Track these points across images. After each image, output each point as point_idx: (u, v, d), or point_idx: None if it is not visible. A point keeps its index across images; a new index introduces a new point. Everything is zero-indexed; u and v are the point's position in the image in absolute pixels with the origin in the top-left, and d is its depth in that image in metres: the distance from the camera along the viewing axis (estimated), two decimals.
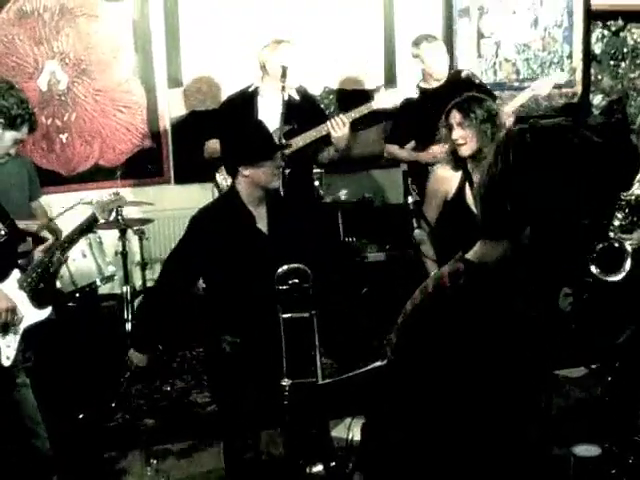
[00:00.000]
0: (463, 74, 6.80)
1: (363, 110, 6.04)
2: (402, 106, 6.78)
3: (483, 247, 2.06)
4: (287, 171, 5.71)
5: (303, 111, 6.02)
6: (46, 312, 4.29)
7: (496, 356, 1.93)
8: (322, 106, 7.49)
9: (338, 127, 5.86)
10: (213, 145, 6.08)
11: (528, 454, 2.01)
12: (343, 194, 7.42)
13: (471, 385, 1.92)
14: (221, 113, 6.44)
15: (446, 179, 5.02)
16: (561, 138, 1.94)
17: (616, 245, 4.91)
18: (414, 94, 6.26)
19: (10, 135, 4.33)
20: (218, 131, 6.14)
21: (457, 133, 4.82)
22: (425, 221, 5.07)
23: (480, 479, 1.99)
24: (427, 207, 5.12)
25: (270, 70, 6.11)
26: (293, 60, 6.04)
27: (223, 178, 6.03)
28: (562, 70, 8.43)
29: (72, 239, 4.44)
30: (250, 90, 6.23)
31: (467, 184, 4.93)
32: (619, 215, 5.17)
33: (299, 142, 5.88)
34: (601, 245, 5.09)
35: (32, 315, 4.24)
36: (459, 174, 4.96)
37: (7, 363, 4.10)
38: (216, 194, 6.06)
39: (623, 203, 5.14)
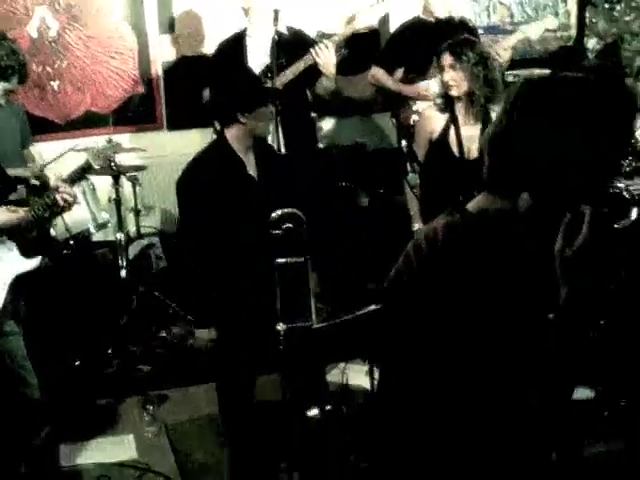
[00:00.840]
0: (457, 18, 6.77)
1: (346, 32, 6.00)
2: (397, 31, 6.76)
3: (484, 199, 2.04)
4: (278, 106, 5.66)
5: (293, 46, 5.95)
6: (35, 261, 4.25)
7: (491, 311, 1.92)
8: None
9: (322, 53, 5.80)
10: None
11: (528, 419, 2.00)
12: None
13: (467, 341, 1.92)
14: (213, 61, 6.46)
15: (432, 119, 5.13)
16: (569, 92, 1.91)
17: (625, 195, 5.00)
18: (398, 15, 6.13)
19: (0, 86, 4.30)
20: (212, 80, 6.14)
21: (448, 75, 4.89)
22: (418, 164, 5.13)
23: (476, 444, 2.00)
24: (416, 146, 5.29)
25: (253, 11, 6.08)
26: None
27: None
28: (557, 14, 8.38)
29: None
30: (238, 32, 6.21)
31: (452, 126, 5.03)
32: (623, 162, 5.23)
33: (288, 75, 5.84)
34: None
35: (21, 264, 4.21)
36: (445, 116, 5.03)
37: None
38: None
39: (629, 149, 5.20)
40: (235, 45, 6.14)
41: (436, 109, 5.10)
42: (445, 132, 5.05)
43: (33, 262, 4.24)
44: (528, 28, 6.36)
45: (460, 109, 5.00)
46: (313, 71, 5.89)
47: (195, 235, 4.63)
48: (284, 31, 6.04)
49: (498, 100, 4.92)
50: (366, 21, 6.00)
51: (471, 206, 2.05)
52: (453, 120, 5.02)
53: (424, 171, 5.25)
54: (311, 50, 5.82)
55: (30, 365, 4.31)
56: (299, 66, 5.84)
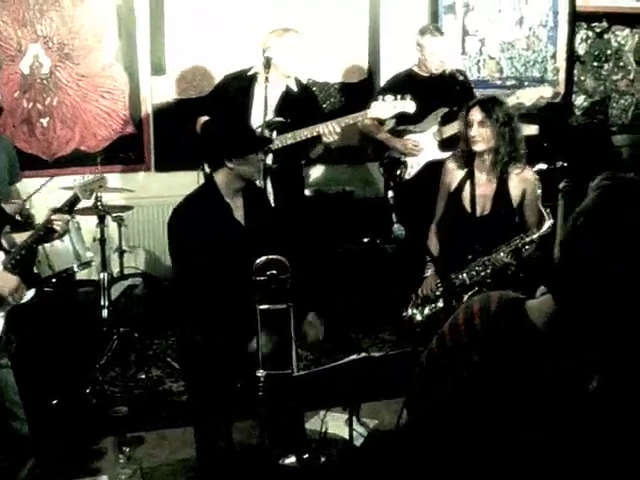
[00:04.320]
0: (448, 70, 6.82)
1: (358, 118, 5.99)
2: (390, 83, 6.80)
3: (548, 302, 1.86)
4: (274, 165, 5.80)
5: (299, 104, 5.98)
6: (30, 294, 4.27)
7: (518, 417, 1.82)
8: None
9: (331, 135, 5.81)
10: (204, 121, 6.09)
11: None
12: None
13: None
14: (217, 91, 6.36)
15: (452, 172, 5.25)
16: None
17: None
18: (410, 107, 6.09)
19: None
20: (212, 108, 6.11)
21: (476, 131, 4.99)
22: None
23: None
24: (439, 197, 5.38)
25: (271, 57, 6.03)
26: (297, 50, 6.00)
27: None
28: (545, 70, 8.48)
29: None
30: (249, 74, 6.16)
31: (468, 182, 5.14)
32: None
33: (289, 139, 5.83)
34: None
35: None
36: (465, 171, 5.16)
37: None
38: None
39: None
40: (243, 85, 6.08)
41: (456, 163, 5.19)
42: (460, 187, 5.16)
43: (28, 294, 4.26)
44: (523, 93, 6.40)
45: (479, 166, 5.09)
46: (314, 139, 5.90)
47: (185, 276, 4.66)
48: (293, 84, 6.03)
49: (519, 161, 5.01)
50: (376, 114, 6.02)
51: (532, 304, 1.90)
52: (470, 176, 5.12)
53: (440, 221, 5.35)
54: (319, 127, 5.81)
55: (19, 399, 4.30)
56: (302, 134, 5.83)
